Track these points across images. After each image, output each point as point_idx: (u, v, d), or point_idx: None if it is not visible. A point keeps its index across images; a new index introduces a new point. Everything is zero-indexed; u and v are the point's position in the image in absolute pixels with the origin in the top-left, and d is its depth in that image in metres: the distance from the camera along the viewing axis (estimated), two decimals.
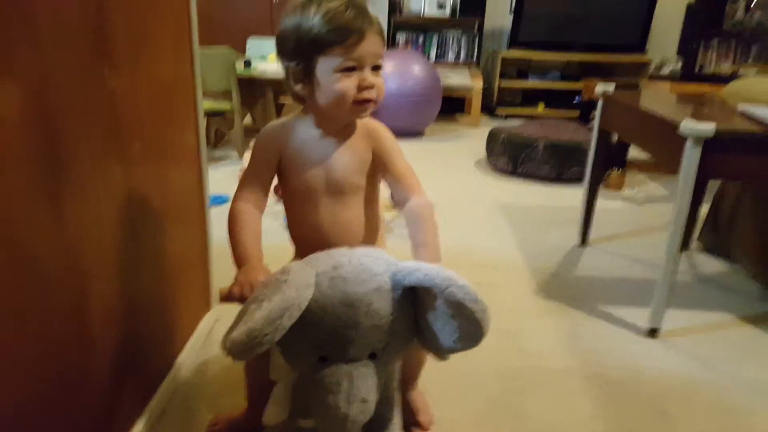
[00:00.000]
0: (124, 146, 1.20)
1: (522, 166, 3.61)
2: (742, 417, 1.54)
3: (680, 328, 1.96)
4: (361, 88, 0.99)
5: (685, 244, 2.66)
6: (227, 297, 0.97)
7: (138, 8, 1.25)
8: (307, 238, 1.09)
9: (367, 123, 1.11)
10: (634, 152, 3.72)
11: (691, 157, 1.69)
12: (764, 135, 1.70)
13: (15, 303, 0.86)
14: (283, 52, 1.04)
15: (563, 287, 2.23)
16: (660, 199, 3.38)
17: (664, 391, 1.62)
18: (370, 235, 1.14)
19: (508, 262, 2.43)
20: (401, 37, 5.68)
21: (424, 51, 5.71)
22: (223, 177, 3.24)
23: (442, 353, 0.93)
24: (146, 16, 1.30)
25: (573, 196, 3.25)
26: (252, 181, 1.09)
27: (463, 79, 5.26)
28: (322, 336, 0.87)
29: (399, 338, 0.91)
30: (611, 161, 3.49)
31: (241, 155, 3.71)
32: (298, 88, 1.04)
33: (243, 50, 4.36)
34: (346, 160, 1.08)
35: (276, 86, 3.91)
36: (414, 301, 0.92)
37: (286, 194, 1.13)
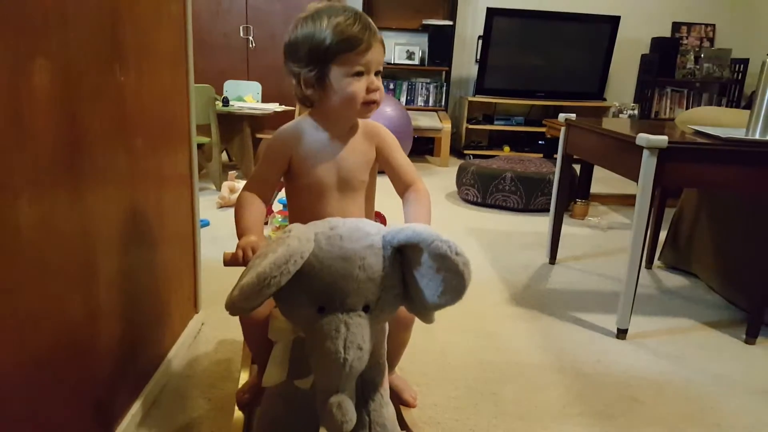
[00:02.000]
0: (129, 139, 1.29)
1: (491, 197, 3.76)
2: (709, 403, 1.64)
3: (647, 331, 2.07)
4: (369, 90, 1.13)
5: (648, 263, 2.80)
6: (231, 261, 1.04)
7: (143, 25, 1.37)
8: None
9: (367, 123, 1.24)
10: (596, 186, 3.91)
11: (647, 166, 1.84)
12: (710, 146, 1.89)
13: (39, 265, 0.93)
14: (293, 59, 1.14)
15: (535, 296, 2.33)
16: (622, 227, 3.53)
17: (634, 382, 1.72)
18: None
19: (481, 276, 2.52)
20: None
21: (394, 97, 5.92)
22: (201, 205, 3.30)
23: (427, 311, 1.00)
24: (150, 36, 1.42)
25: (540, 223, 3.39)
26: (261, 178, 1.19)
27: (432, 121, 5.47)
28: (322, 287, 0.93)
29: (389, 294, 0.98)
30: (575, 192, 3.66)
31: (218, 187, 3.78)
32: (308, 92, 1.15)
33: (220, 93, 4.50)
34: (354, 158, 1.20)
35: (253, 122, 4.02)
36: (402, 263, 1.00)
37: (293, 191, 1.23)
